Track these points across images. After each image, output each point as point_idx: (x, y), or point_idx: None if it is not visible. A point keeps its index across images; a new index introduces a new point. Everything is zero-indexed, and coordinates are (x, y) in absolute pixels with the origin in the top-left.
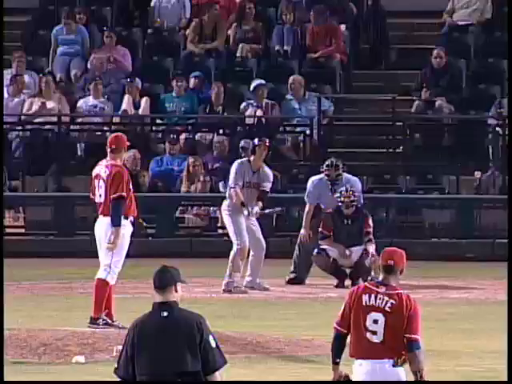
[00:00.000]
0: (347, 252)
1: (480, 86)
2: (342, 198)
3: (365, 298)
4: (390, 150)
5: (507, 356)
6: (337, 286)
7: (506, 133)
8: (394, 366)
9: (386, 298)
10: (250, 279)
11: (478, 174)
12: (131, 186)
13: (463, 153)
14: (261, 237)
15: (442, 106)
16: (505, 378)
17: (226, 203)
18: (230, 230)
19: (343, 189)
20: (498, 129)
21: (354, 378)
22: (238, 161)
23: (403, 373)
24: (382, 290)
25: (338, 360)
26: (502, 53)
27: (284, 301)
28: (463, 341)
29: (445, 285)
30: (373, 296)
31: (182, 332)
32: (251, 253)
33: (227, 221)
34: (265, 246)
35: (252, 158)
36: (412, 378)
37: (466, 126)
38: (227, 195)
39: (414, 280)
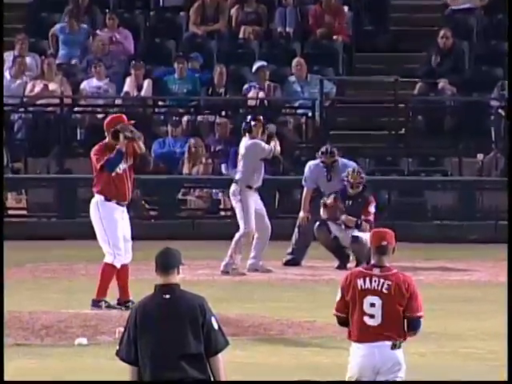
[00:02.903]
0: (343, 226)
1: (483, 67)
2: (349, 178)
3: (360, 282)
4: (393, 132)
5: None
6: (338, 268)
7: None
8: (392, 348)
9: (382, 280)
10: (253, 261)
11: (480, 156)
12: (119, 169)
13: (465, 135)
14: (267, 221)
15: (445, 87)
16: (505, 360)
17: (234, 187)
18: (239, 213)
19: (351, 169)
20: (500, 111)
21: (351, 360)
22: (253, 141)
23: (402, 355)
24: (377, 271)
25: None
26: (504, 35)
27: (286, 283)
28: (465, 322)
29: (447, 267)
30: (367, 279)
31: (184, 314)
32: (256, 235)
33: (236, 205)
34: (270, 229)
35: (248, 137)
36: (409, 360)
37: (469, 108)
38: (237, 177)
39: (416, 262)
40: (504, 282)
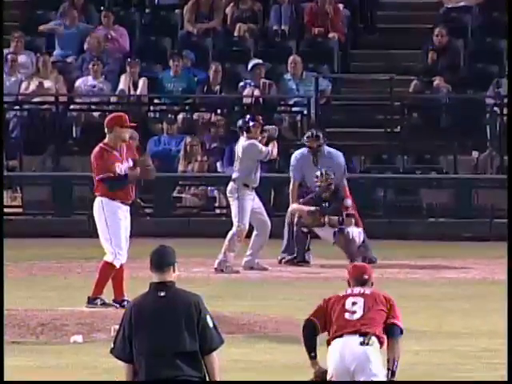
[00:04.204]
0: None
1: (478, 65)
2: (319, 183)
3: (341, 292)
4: (388, 130)
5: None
6: (294, 258)
7: (504, 112)
8: (361, 344)
9: (364, 289)
10: (249, 259)
11: (475, 153)
12: (120, 171)
13: (461, 132)
14: (266, 218)
15: (440, 85)
16: (501, 358)
17: (232, 185)
18: (234, 211)
19: (318, 173)
20: (495, 108)
21: (329, 357)
22: (251, 141)
23: (374, 354)
24: (358, 289)
25: (313, 354)
26: (499, 32)
27: (282, 280)
28: (460, 320)
29: (442, 265)
30: (349, 290)
31: (179, 312)
32: (255, 232)
33: (233, 203)
34: (269, 226)
35: (246, 137)
36: (404, 358)
37: (464, 105)
38: (234, 176)
39: (412, 260)
40: (499, 280)
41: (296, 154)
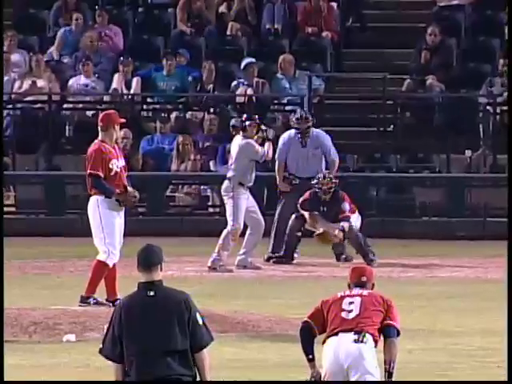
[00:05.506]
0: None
1: (471, 64)
2: (320, 185)
3: (339, 293)
4: (381, 129)
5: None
6: (281, 257)
7: (497, 111)
8: (355, 341)
9: (362, 290)
10: (242, 257)
11: (468, 152)
12: (117, 167)
13: (454, 131)
14: (260, 216)
15: (433, 84)
16: (494, 356)
17: (227, 184)
18: (229, 210)
19: (321, 175)
20: (488, 107)
21: (323, 355)
22: (248, 141)
23: (367, 351)
24: (356, 290)
25: (310, 356)
26: (492, 31)
27: (275, 279)
28: (454, 319)
29: (435, 263)
30: (347, 291)
31: (170, 310)
32: (248, 231)
33: (228, 201)
34: (263, 225)
35: (242, 135)
36: (398, 357)
37: (457, 104)
38: (229, 175)
39: (405, 259)
40: (493, 279)
41: (284, 136)
